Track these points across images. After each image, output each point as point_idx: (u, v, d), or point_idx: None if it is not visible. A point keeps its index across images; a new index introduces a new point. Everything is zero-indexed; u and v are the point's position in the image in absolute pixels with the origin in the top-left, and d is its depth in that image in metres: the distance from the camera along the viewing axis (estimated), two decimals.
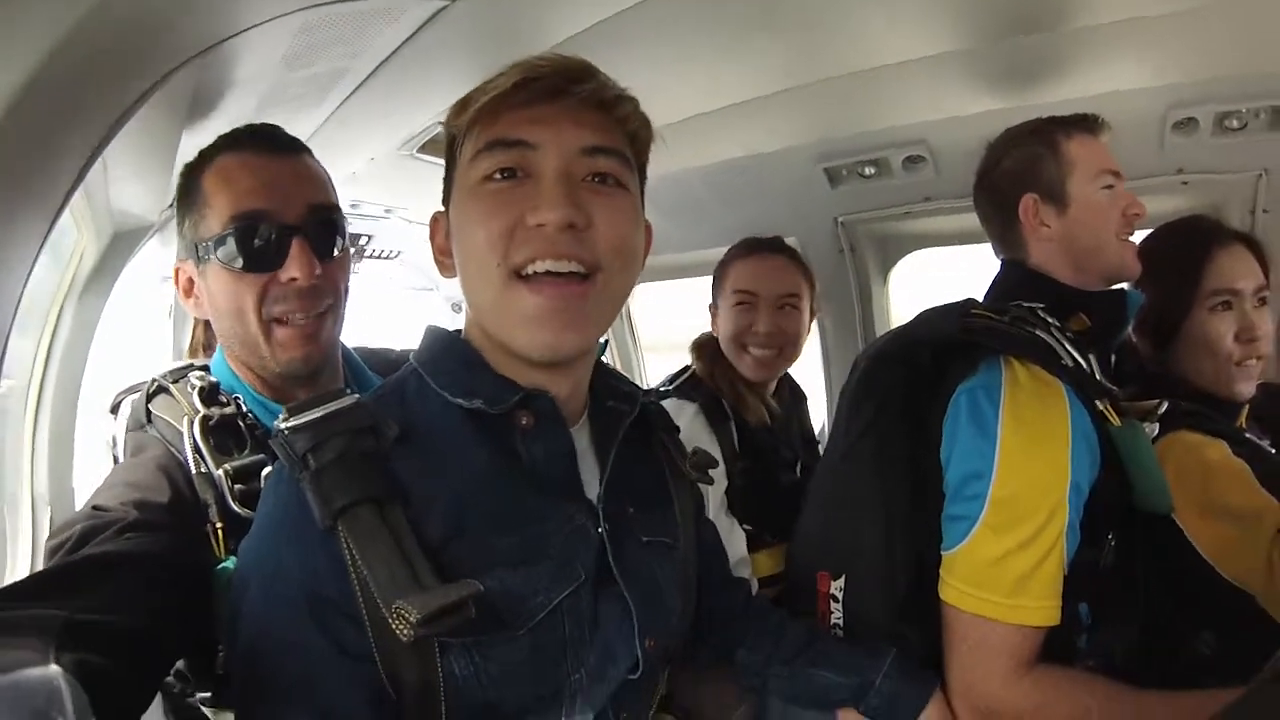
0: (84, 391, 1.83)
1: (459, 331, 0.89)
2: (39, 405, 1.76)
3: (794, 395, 1.91)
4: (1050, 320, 1.16)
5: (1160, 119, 1.71)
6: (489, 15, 1.17)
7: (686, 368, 1.80)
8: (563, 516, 0.82)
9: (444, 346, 0.87)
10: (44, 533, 1.78)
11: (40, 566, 1.64)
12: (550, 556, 0.79)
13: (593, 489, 0.86)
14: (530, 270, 0.75)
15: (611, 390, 0.94)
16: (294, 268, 1.00)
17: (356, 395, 0.80)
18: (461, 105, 0.80)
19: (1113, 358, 1.30)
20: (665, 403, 1.55)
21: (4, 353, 0.82)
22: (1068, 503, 1.04)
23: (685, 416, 1.61)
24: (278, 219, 1.00)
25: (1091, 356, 1.14)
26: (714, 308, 1.82)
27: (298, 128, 1.43)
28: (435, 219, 0.88)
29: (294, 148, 1.07)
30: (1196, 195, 1.88)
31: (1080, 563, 1.07)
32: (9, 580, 1.64)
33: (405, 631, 0.65)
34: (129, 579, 0.78)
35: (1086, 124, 1.30)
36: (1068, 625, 1.06)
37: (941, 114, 1.86)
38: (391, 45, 1.20)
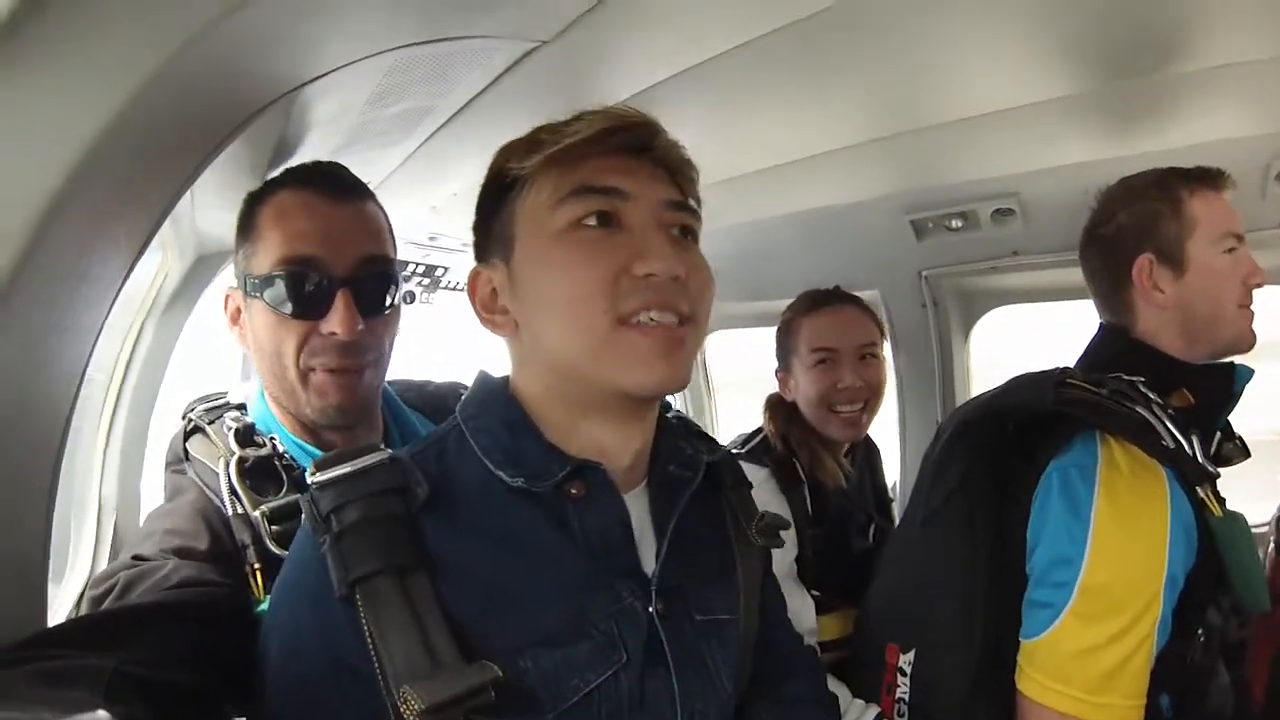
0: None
1: (507, 380, 0.85)
2: (114, 414, 1.80)
3: (868, 450, 1.83)
4: (1151, 396, 1.07)
5: (1263, 169, 1.61)
6: (573, 59, 1.16)
7: (759, 430, 1.71)
8: (611, 594, 0.77)
9: (489, 401, 0.84)
10: (107, 536, 1.81)
11: (100, 566, 1.66)
12: (592, 636, 0.74)
13: (648, 562, 0.81)
14: (642, 320, 0.73)
15: (674, 454, 0.89)
16: (335, 321, 0.99)
17: (389, 451, 0.78)
18: (528, 147, 0.77)
19: (1216, 436, 1.20)
20: None
21: (82, 381, 0.82)
22: (1163, 596, 0.97)
23: (756, 481, 1.52)
24: (327, 269, 0.99)
25: (1194, 437, 1.04)
26: (784, 373, 1.74)
27: (382, 164, 1.44)
28: (476, 274, 0.83)
29: (357, 192, 1.06)
30: None
31: (1167, 655, 1.00)
32: (68, 582, 1.69)
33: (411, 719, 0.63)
34: (177, 630, 0.77)
35: (1210, 179, 1.21)
36: (1149, 718, 0.99)
37: (1033, 165, 1.79)
38: (479, 85, 1.19)
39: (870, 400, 1.64)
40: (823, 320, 1.68)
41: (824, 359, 1.64)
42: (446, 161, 1.55)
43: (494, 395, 0.84)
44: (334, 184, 1.03)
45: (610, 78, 1.25)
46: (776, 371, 1.77)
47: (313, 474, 0.75)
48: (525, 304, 0.78)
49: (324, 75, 0.88)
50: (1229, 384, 1.19)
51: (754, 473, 1.52)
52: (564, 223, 0.75)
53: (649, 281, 0.73)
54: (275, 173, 1.08)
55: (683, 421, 0.99)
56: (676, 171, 0.80)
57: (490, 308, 0.82)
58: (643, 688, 0.77)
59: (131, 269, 0.84)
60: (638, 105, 1.06)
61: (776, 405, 1.72)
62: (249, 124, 0.86)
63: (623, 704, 0.75)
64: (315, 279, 0.99)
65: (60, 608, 1.60)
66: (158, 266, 1.67)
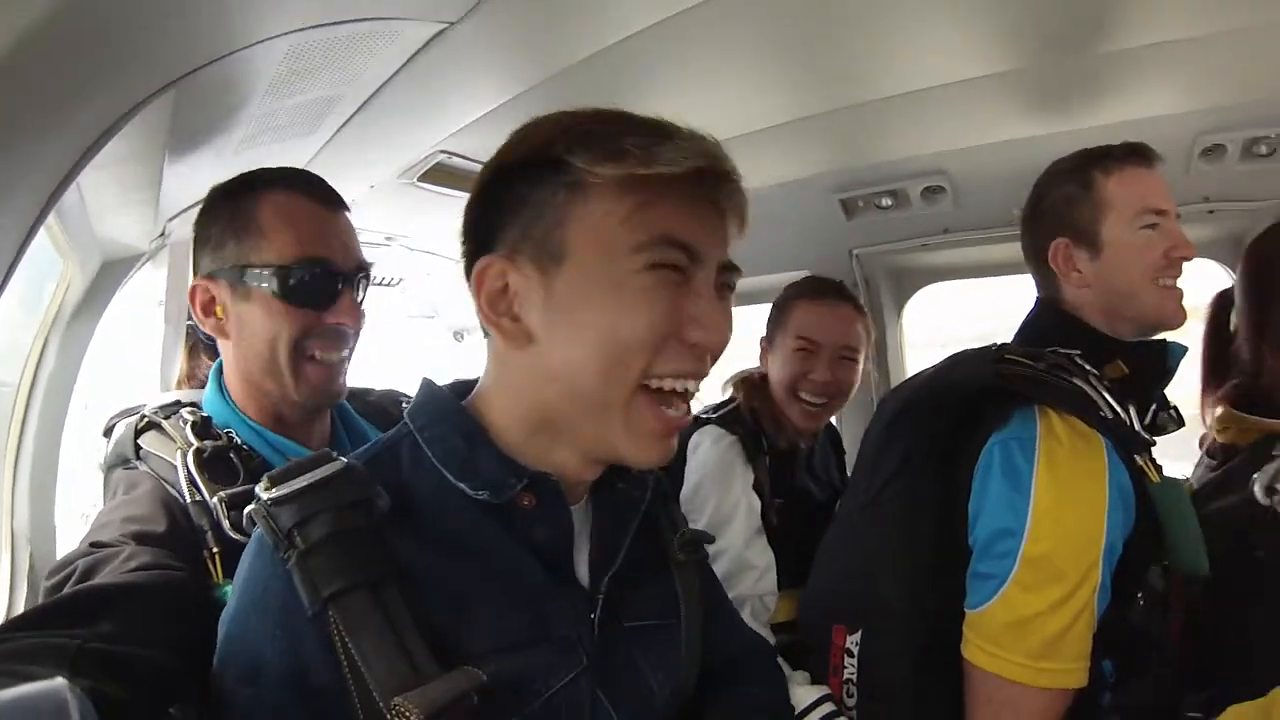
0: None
1: (454, 388, 0.84)
2: (21, 439, 1.69)
3: (833, 445, 1.88)
4: (1088, 368, 1.09)
5: (1188, 146, 1.65)
6: (486, 40, 1.11)
7: (730, 399, 1.73)
8: (566, 600, 0.78)
9: (441, 411, 0.80)
10: (23, 571, 1.71)
11: (18, 607, 1.58)
12: (550, 640, 0.75)
13: (583, 571, 0.81)
14: (669, 386, 0.72)
15: (623, 473, 0.86)
16: (344, 313, 1.09)
17: (343, 460, 0.74)
18: (604, 150, 0.68)
19: (1152, 407, 1.23)
20: (705, 429, 1.61)
21: None
22: (1102, 563, 0.99)
23: (723, 444, 1.58)
24: (336, 268, 1.08)
25: (1131, 407, 1.06)
26: (767, 344, 1.74)
27: (290, 157, 1.37)
28: (489, 266, 0.73)
29: (342, 203, 1.13)
30: (1223, 224, 1.82)
31: (1107, 620, 1.02)
32: None
33: None
34: (139, 609, 0.77)
35: (1134, 156, 1.22)
36: (1092, 683, 1.01)
37: (962, 143, 1.80)
38: (388, 71, 1.14)
39: (835, 399, 1.65)
40: (817, 311, 1.66)
41: (803, 348, 1.64)
42: (362, 153, 1.49)
43: (446, 404, 0.80)
44: (327, 193, 1.11)
45: (524, 58, 1.21)
46: (762, 340, 1.77)
47: (265, 488, 0.71)
48: (560, 325, 0.72)
49: (213, 62, 0.82)
50: (1163, 360, 1.21)
51: (723, 435, 1.61)
52: (640, 265, 0.69)
53: (694, 350, 0.71)
54: (171, 174, 1.04)
55: None
56: (739, 225, 0.75)
57: (498, 308, 0.74)
58: (594, 692, 0.76)
59: (14, 265, 0.77)
60: (553, 87, 1.00)
61: (748, 378, 1.74)
62: (135, 114, 0.79)
63: (583, 708, 0.75)
64: (327, 276, 1.07)
65: None
66: (58, 277, 1.57)
